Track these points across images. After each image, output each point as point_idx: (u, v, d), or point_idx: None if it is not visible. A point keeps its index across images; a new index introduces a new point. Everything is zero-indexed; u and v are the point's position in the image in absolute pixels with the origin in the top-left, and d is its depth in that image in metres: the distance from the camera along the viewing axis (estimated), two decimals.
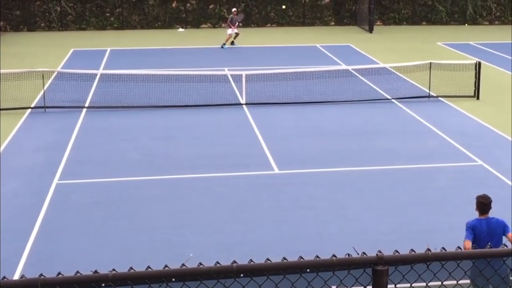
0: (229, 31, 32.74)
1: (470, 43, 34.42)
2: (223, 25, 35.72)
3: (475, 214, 9.69)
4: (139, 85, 22.81)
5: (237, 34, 32.89)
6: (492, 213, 9.62)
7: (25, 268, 11.03)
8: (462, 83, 22.99)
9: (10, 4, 39.08)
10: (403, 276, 3.74)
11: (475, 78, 22.58)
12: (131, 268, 3.38)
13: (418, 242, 10.53)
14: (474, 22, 41.83)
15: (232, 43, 33.08)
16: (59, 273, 3.31)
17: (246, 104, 21.68)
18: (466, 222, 9.71)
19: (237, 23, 32.97)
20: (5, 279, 3.25)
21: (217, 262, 3.40)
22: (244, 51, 32.14)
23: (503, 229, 9.64)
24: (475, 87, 22.57)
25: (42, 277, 3.24)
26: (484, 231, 9.62)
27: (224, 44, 32.80)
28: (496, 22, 41.82)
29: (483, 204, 9.73)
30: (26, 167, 16.09)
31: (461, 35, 37.12)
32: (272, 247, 11.64)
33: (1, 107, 20.90)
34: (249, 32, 38.49)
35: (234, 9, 34.52)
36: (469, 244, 9.45)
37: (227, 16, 40.23)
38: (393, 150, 17.28)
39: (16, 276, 10.46)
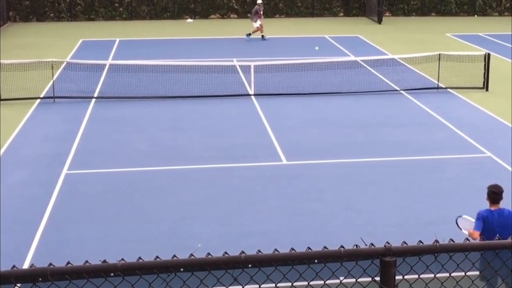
0: (258, 22, 32.39)
1: (480, 34, 34.27)
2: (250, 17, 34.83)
3: (484, 205, 9.66)
4: (148, 75, 22.83)
5: (261, 26, 32.52)
6: (501, 205, 9.58)
7: (34, 257, 11.08)
8: (471, 75, 22.91)
9: None
10: (411, 268, 3.74)
11: (484, 69, 22.49)
12: (140, 258, 3.39)
13: (426, 234, 10.54)
14: (483, 13, 41.64)
15: (263, 37, 32.63)
16: (68, 263, 3.32)
17: (254, 95, 21.67)
18: (478, 211, 9.64)
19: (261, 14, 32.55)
20: (15, 268, 3.27)
21: (225, 253, 3.41)
22: (252, 42, 32.10)
23: None
24: (484, 78, 22.49)
25: (51, 266, 3.25)
26: (495, 222, 9.49)
27: (250, 34, 32.52)
28: (506, 13, 41.58)
29: (495, 193, 9.59)
30: (35, 157, 16.14)
31: (471, 26, 36.97)
32: (280, 239, 11.66)
33: (11, 97, 20.97)
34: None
35: (259, 0, 33.25)
36: (477, 234, 9.36)
37: (236, 6, 40.26)
38: (401, 141, 17.25)
39: (25, 266, 10.52)
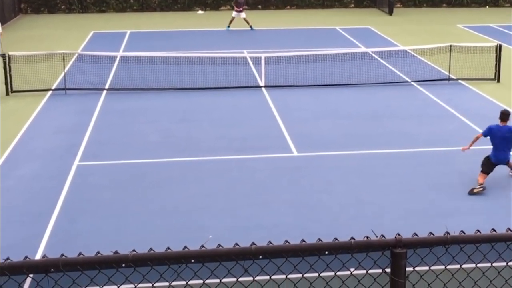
0: (233, 13, 32.40)
1: (491, 25, 34.08)
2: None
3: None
4: (159, 67, 22.85)
5: (244, 19, 32.25)
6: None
7: (46, 248, 11.15)
8: (483, 66, 22.82)
9: None
10: (422, 259, 3.74)
11: (496, 60, 22.39)
12: (151, 249, 3.41)
13: (436, 225, 10.53)
14: (495, 4, 41.41)
15: (251, 27, 32.71)
16: (80, 254, 3.34)
17: (265, 86, 21.66)
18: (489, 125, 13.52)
19: (242, 5, 32.31)
20: (27, 259, 3.30)
21: (236, 244, 3.42)
22: (263, 34, 32.05)
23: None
24: (495, 69, 22.40)
25: (63, 257, 3.27)
26: (498, 134, 13.28)
27: (228, 26, 32.60)
28: None
29: (504, 114, 13.49)
30: (47, 149, 16.21)
31: (482, 17, 36.78)
32: (290, 230, 11.67)
33: (23, 89, 21.05)
34: (268, 14, 38.40)
35: None
36: (479, 135, 13.70)
37: None
38: (412, 133, 17.21)
39: (38, 256, 10.58)
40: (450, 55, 22.61)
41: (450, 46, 22.83)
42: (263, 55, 22.38)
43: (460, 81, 22.32)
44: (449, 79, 22.35)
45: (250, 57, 24.29)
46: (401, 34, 31.37)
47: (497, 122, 13.73)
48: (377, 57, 24.68)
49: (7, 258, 3.24)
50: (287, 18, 36.80)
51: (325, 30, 32.90)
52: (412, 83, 22.09)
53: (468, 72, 22.84)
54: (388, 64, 24.16)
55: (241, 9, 32.28)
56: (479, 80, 22.24)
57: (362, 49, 26.69)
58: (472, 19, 36.04)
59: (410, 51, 24.87)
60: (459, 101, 20.13)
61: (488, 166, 13.47)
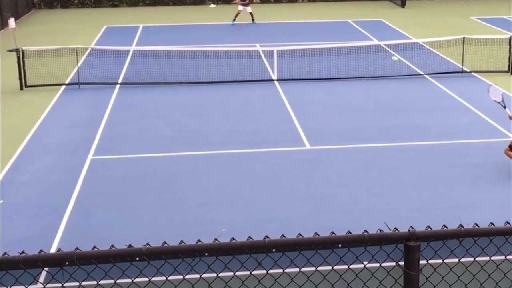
0: (240, 7, 32.11)
1: (504, 17, 33.87)
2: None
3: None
4: (171, 61, 22.88)
5: (250, 13, 32.03)
6: None
7: (61, 242, 11.21)
8: (496, 58, 22.70)
9: None
10: (435, 252, 3.74)
11: (509, 53, 22.26)
12: (165, 242, 3.42)
13: (450, 218, 10.48)
14: None
15: (253, 21, 32.39)
16: (94, 247, 3.36)
17: (277, 80, 21.65)
18: None
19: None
20: (42, 252, 3.32)
21: (249, 237, 3.43)
22: (275, 27, 32.01)
23: None
24: (509, 62, 22.27)
25: (78, 251, 3.29)
26: None
27: (234, 20, 32.41)
28: None
29: None
30: (60, 143, 16.28)
31: (495, 9, 36.54)
32: (303, 224, 11.67)
33: (36, 84, 21.14)
34: (280, 7, 38.34)
35: None
36: None
37: None
38: (425, 126, 17.16)
39: (52, 250, 10.65)
40: (463, 47, 22.50)
41: (463, 38, 22.72)
42: (275, 49, 22.36)
43: (473, 73, 22.22)
44: (462, 71, 22.26)
45: (263, 51, 24.27)
46: (414, 27, 31.25)
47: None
48: (389, 50, 24.60)
49: (22, 252, 3.26)
50: (299, 11, 36.73)
51: (337, 23, 32.82)
52: (425, 75, 22.01)
53: (481, 65, 22.73)
54: (400, 57, 24.07)
55: (247, 1, 32.14)
56: (492, 72, 22.13)
57: (375, 41, 26.60)
58: (485, 11, 35.82)
59: (423, 44, 24.76)
60: (472, 93, 20.04)
61: None
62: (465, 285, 3.89)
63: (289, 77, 21.75)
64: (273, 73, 22.00)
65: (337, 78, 21.74)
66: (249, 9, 32.11)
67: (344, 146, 15.79)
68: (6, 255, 3.20)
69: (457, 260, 3.90)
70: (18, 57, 20.92)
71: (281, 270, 3.68)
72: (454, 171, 14.16)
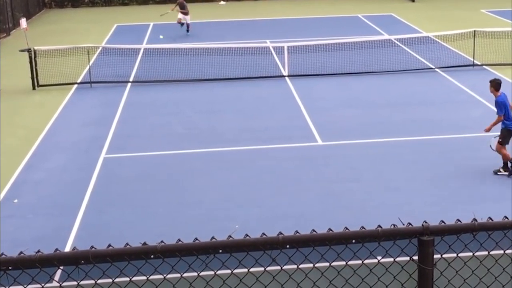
0: (180, 15, 29.34)
1: None
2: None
3: None
4: (182, 59, 22.90)
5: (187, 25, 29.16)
6: None
7: (75, 240, 11.26)
8: (507, 51, 22.58)
9: None
10: (449, 246, 3.73)
11: None
12: (179, 240, 3.43)
13: (463, 212, 10.48)
14: None
15: (182, 25, 29.36)
16: (109, 245, 3.38)
17: (288, 76, 21.63)
18: (496, 100, 13.36)
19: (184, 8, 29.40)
20: (58, 251, 3.34)
21: (263, 234, 3.43)
22: (285, 23, 31.97)
23: None
24: None
25: (93, 249, 3.31)
26: (507, 103, 13.29)
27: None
28: None
29: (498, 84, 13.61)
30: (74, 142, 16.34)
31: (506, 1, 36.32)
32: (316, 219, 11.67)
33: (49, 83, 21.23)
34: (290, 3, 38.27)
35: None
36: (501, 117, 13.21)
37: None
38: (437, 120, 17.11)
39: (67, 248, 10.69)
40: (474, 40, 22.41)
41: (474, 31, 22.62)
42: (285, 45, 22.34)
43: (484, 66, 22.12)
44: (473, 65, 22.16)
45: (273, 47, 24.26)
46: (424, 21, 31.13)
47: None
48: (400, 44, 24.52)
49: (38, 251, 3.28)
50: (309, 7, 36.66)
51: (347, 18, 32.74)
52: (436, 69, 21.94)
53: (492, 58, 22.62)
54: (411, 51, 24.00)
55: (186, 11, 29.33)
56: (504, 65, 22.01)
57: (385, 36, 26.54)
58: (495, 3, 35.62)
59: (433, 38, 24.67)
60: (484, 87, 19.84)
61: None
62: (480, 279, 3.88)
63: (300, 73, 21.73)
64: (284, 69, 21.98)
65: (348, 73, 21.71)
66: (188, 19, 29.34)
67: (356, 141, 15.76)
68: (22, 254, 3.22)
69: (471, 254, 3.89)
70: (30, 57, 21.01)
71: (295, 266, 3.69)
72: (467, 165, 14.11)
